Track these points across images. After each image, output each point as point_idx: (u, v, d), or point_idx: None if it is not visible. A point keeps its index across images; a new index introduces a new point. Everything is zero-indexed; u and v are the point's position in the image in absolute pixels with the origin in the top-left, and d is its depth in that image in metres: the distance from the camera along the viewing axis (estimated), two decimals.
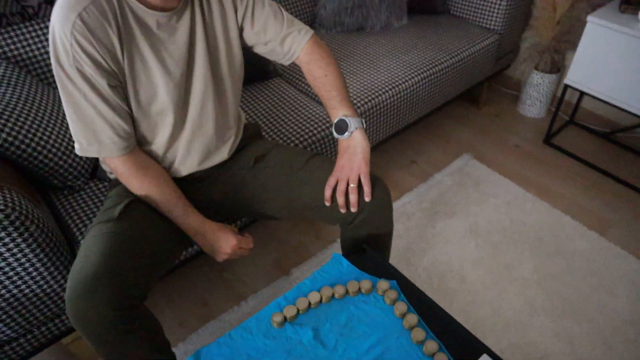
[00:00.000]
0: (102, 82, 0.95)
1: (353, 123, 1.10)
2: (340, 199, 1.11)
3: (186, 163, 1.17)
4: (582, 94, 2.19)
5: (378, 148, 1.96)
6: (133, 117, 1.05)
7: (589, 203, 1.89)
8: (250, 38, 1.15)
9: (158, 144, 1.11)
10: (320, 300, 1.02)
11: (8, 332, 1.16)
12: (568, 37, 2.06)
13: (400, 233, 1.74)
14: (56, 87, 1.42)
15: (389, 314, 1.00)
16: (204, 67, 1.08)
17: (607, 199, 1.90)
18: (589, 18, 1.78)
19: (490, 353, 0.93)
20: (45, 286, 1.15)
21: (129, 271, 0.96)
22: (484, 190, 1.92)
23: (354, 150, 1.10)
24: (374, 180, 1.15)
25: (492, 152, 2.13)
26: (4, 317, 1.12)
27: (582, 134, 2.24)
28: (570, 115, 2.29)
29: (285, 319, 0.98)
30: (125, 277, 0.94)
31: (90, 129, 0.99)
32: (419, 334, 0.94)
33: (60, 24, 0.89)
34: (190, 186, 1.19)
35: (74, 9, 0.89)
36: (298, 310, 0.99)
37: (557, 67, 2.19)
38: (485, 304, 1.53)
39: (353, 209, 1.11)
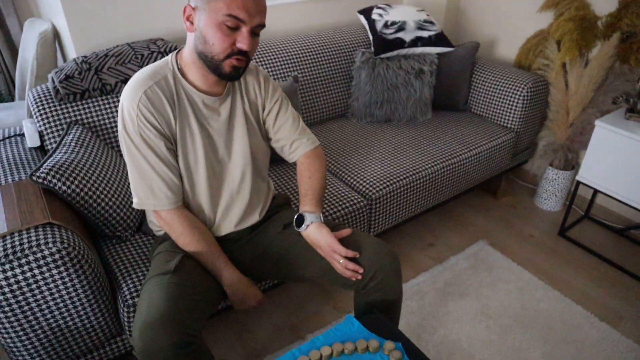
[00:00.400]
0: (160, 144, 1.18)
1: (309, 218, 1.27)
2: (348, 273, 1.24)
3: (224, 224, 1.35)
4: (596, 190, 2.31)
5: (398, 229, 2.09)
6: (182, 177, 1.25)
7: (601, 295, 1.93)
8: (267, 131, 1.38)
9: (201, 205, 1.30)
10: (331, 355, 1.12)
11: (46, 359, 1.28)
12: (580, 138, 2.22)
13: (413, 310, 1.82)
14: (119, 151, 1.65)
15: None
16: (243, 143, 1.30)
17: (620, 292, 1.95)
18: (597, 122, 1.95)
19: None
20: (86, 321, 1.29)
21: (187, 314, 1.11)
22: (497, 275, 1.99)
23: (316, 241, 1.26)
24: (385, 248, 1.29)
25: (507, 240, 2.22)
26: (46, 344, 1.26)
27: (596, 228, 2.32)
28: (585, 210, 2.39)
29: None
30: (185, 319, 1.10)
31: (148, 185, 1.20)
32: None
33: (129, 98, 1.16)
34: (226, 246, 1.36)
35: (141, 87, 1.16)
36: None
37: (572, 165, 2.33)
38: None
39: (359, 273, 1.24)
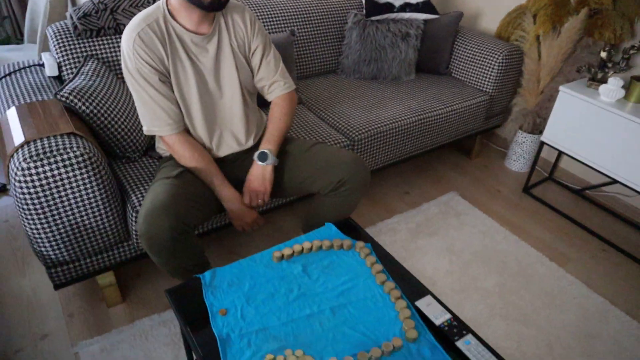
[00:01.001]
0: (154, 77, 1.38)
1: (271, 158, 1.50)
2: (247, 199, 1.53)
3: (222, 148, 1.56)
4: (560, 153, 2.54)
5: (377, 174, 2.31)
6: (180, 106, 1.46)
7: (554, 241, 2.17)
8: (252, 69, 1.57)
9: (198, 132, 1.51)
10: (311, 249, 1.33)
11: (65, 254, 1.48)
12: (549, 104, 2.44)
13: (385, 243, 2.05)
14: None
15: (361, 264, 1.31)
16: (231, 78, 1.49)
17: (570, 240, 2.19)
18: (561, 88, 2.17)
19: (433, 295, 1.22)
20: (99, 222, 1.48)
21: (184, 207, 1.33)
22: (464, 220, 2.23)
23: (264, 178, 1.51)
24: (361, 163, 1.52)
25: (477, 194, 2.45)
26: (66, 240, 1.45)
27: (557, 188, 2.56)
28: (549, 172, 2.62)
29: (282, 256, 1.30)
30: (182, 210, 1.31)
31: (151, 114, 1.42)
32: (381, 277, 1.25)
33: (126, 40, 1.37)
34: (225, 166, 1.57)
35: (135, 30, 1.36)
36: (293, 251, 1.31)
37: (540, 129, 2.55)
38: (450, 304, 1.80)
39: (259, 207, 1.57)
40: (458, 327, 1.15)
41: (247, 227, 1.58)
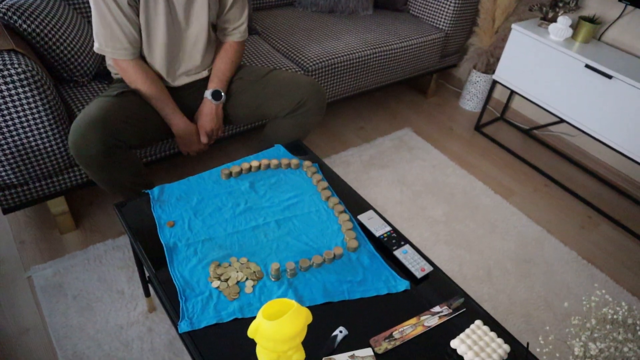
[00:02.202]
0: (123, 1, 1.31)
1: (224, 98, 1.57)
2: (205, 139, 1.59)
3: (179, 77, 1.56)
4: (512, 93, 2.62)
5: (332, 107, 2.34)
6: (141, 34, 1.42)
7: (500, 176, 2.28)
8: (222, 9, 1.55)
9: (156, 60, 1.48)
10: (259, 167, 1.36)
11: (12, 177, 1.46)
12: (502, 44, 2.49)
13: (338, 174, 2.10)
14: (76, 9, 1.76)
15: (308, 182, 1.35)
16: (201, 16, 1.46)
17: (516, 175, 2.30)
18: (513, 26, 2.21)
19: (375, 211, 1.28)
20: (47, 143, 1.46)
21: (119, 123, 1.31)
22: (416, 155, 2.30)
23: (217, 115, 1.57)
24: (316, 85, 1.56)
25: (430, 130, 2.52)
26: (12, 162, 1.43)
27: (508, 128, 2.65)
28: (500, 112, 2.71)
29: (231, 173, 1.32)
30: (115, 126, 1.30)
31: (109, 33, 1.36)
32: (326, 193, 1.30)
33: None
34: (181, 94, 1.57)
35: None
36: (241, 169, 1.34)
37: (493, 69, 2.61)
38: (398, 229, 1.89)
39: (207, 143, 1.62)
40: (397, 238, 1.22)
41: (193, 152, 1.61)
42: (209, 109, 1.55)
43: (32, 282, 1.58)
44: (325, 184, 1.32)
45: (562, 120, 2.17)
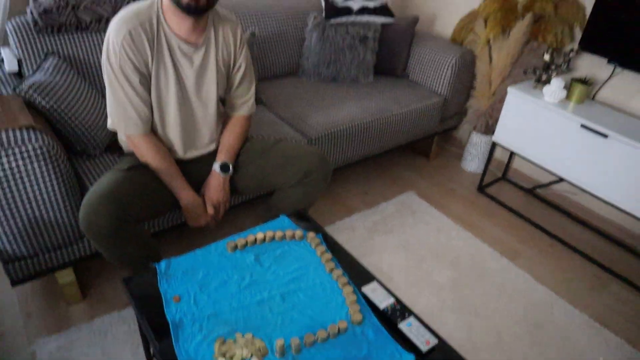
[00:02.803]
0: (135, 79, 1.40)
1: (231, 170, 1.61)
2: (211, 210, 1.61)
3: (189, 151, 1.61)
4: (512, 154, 2.66)
5: (336, 174, 2.38)
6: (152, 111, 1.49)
7: (505, 237, 2.28)
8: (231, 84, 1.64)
9: (169, 134, 1.55)
10: (264, 239, 1.38)
11: (22, 249, 1.49)
12: (500, 105, 2.56)
13: (342, 241, 2.11)
14: (90, 83, 1.85)
15: (312, 254, 1.37)
16: (210, 90, 1.54)
17: (521, 236, 2.30)
18: (509, 89, 2.29)
19: (379, 282, 1.29)
20: (58, 215, 1.50)
21: (129, 197, 1.36)
22: (420, 218, 2.31)
23: (224, 188, 1.61)
24: (319, 154, 1.61)
25: (433, 193, 2.55)
26: (23, 234, 1.47)
27: (510, 187, 2.68)
28: (502, 172, 2.74)
29: (236, 246, 1.35)
30: (126, 200, 1.34)
31: (122, 111, 1.44)
32: (330, 265, 1.31)
33: (115, 33, 1.36)
34: (191, 167, 1.62)
35: (127, 25, 1.36)
36: (247, 242, 1.36)
37: (492, 130, 2.67)
38: (404, 297, 1.88)
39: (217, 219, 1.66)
40: (401, 310, 1.22)
41: (200, 226, 1.65)
42: (216, 182, 1.59)
43: (35, 357, 1.57)
44: (329, 255, 1.34)
45: (562, 179, 2.20)
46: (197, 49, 1.46)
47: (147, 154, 1.49)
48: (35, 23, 1.78)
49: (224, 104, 1.67)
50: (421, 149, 2.89)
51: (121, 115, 1.44)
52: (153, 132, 1.53)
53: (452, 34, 2.71)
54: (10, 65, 1.77)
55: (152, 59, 1.41)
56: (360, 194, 2.48)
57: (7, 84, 1.72)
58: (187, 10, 1.34)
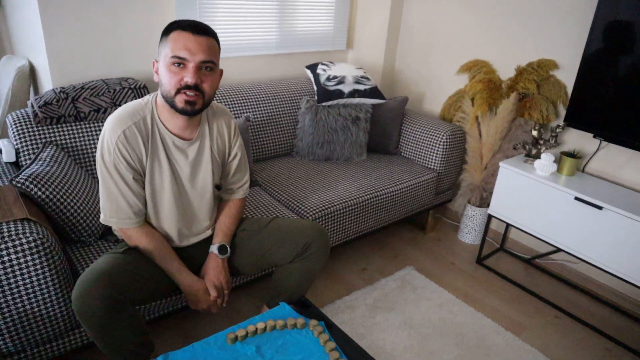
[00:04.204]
0: (129, 176, 1.42)
1: (229, 251, 1.60)
2: (214, 292, 1.54)
3: (187, 238, 1.61)
4: (508, 225, 2.67)
5: (334, 252, 2.36)
6: (146, 201, 1.50)
7: (508, 311, 2.23)
8: (227, 171, 1.67)
9: (164, 225, 1.54)
10: (265, 329, 1.34)
11: (10, 345, 1.43)
12: (492, 179, 2.60)
13: (344, 321, 2.05)
14: (87, 171, 1.86)
15: (315, 343, 1.32)
16: (205, 180, 1.56)
17: (524, 309, 2.25)
18: (501, 164, 2.33)
19: None
20: (50, 309, 1.45)
21: (125, 280, 1.33)
22: (421, 294, 2.27)
23: (224, 269, 1.57)
24: (317, 227, 1.61)
25: (432, 267, 2.52)
26: (12, 329, 1.41)
27: (509, 258, 2.66)
28: (500, 243, 2.73)
29: (236, 337, 1.30)
30: (121, 281, 1.31)
31: (115, 206, 1.44)
32: (334, 355, 1.26)
33: (110, 132, 1.39)
34: (188, 252, 1.61)
35: (121, 126, 1.40)
36: (247, 332, 1.31)
37: (487, 203, 2.69)
38: None
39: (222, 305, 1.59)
40: None
41: (203, 309, 1.58)
42: (215, 264, 1.56)
43: None
44: (332, 344, 1.29)
45: (559, 249, 2.19)
46: (191, 143, 1.49)
47: (139, 242, 1.48)
48: (36, 115, 1.82)
49: (219, 188, 1.68)
50: (417, 222, 2.89)
51: (114, 211, 1.44)
52: (147, 222, 1.53)
53: (441, 112, 2.81)
54: (8, 156, 1.79)
55: (147, 156, 1.44)
56: (359, 270, 2.44)
57: (3, 174, 1.73)
58: (183, 113, 1.39)
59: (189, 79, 1.33)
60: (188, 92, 1.34)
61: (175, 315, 1.99)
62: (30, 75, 2.36)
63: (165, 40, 1.34)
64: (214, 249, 1.58)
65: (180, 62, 1.32)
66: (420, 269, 2.49)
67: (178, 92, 1.35)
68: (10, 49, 2.68)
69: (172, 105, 1.37)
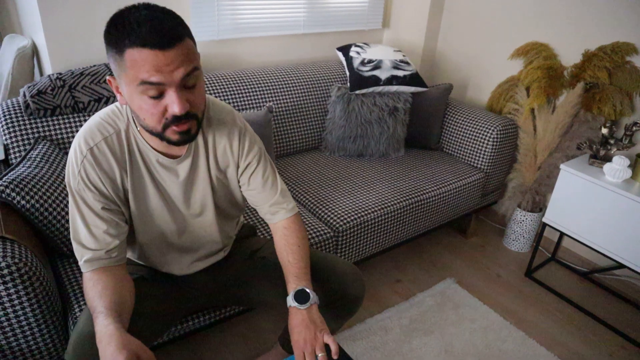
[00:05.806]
0: (97, 205, 1.08)
1: (313, 297, 1.17)
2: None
3: (191, 266, 1.32)
4: (562, 233, 2.35)
5: (365, 263, 2.09)
6: (134, 228, 1.18)
7: (565, 337, 1.93)
8: (244, 192, 1.28)
9: (152, 250, 1.25)
10: None
11: None
12: (548, 181, 2.28)
13: (376, 345, 1.79)
14: None
15: None
16: (204, 200, 1.21)
17: (583, 335, 1.95)
18: (562, 166, 2.00)
19: None
20: (32, 343, 1.23)
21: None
22: (463, 314, 1.99)
23: (312, 322, 1.14)
24: (356, 273, 1.32)
25: (475, 280, 2.23)
26: None
27: (562, 271, 2.34)
28: (552, 252, 2.42)
29: None
30: None
31: (77, 237, 1.09)
32: None
33: (75, 153, 1.06)
34: (193, 279, 1.34)
35: (88, 142, 1.06)
36: None
37: (539, 207, 2.37)
38: None
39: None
40: None
41: None
42: (298, 319, 1.15)
43: None
44: None
45: (623, 266, 1.88)
46: (181, 160, 1.14)
47: (85, 291, 1.08)
48: (27, 106, 1.58)
49: (240, 209, 1.36)
50: (457, 225, 2.59)
51: (78, 248, 1.09)
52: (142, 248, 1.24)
53: (488, 102, 2.48)
54: None
55: (126, 175, 1.11)
56: (392, 283, 2.17)
57: None
58: (180, 144, 1.05)
59: (175, 109, 0.96)
60: (179, 123, 0.99)
61: (186, 339, 1.77)
62: (33, 57, 2.12)
63: (118, 58, 0.93)
64: (290, 301, 1.17)
65: (155, 89, 0.94)
66: (461, 282, 2.20)
67: (166, 127, 1.00)
68: (19, 29, 2.45)
69: (162, 139, 1.03)
